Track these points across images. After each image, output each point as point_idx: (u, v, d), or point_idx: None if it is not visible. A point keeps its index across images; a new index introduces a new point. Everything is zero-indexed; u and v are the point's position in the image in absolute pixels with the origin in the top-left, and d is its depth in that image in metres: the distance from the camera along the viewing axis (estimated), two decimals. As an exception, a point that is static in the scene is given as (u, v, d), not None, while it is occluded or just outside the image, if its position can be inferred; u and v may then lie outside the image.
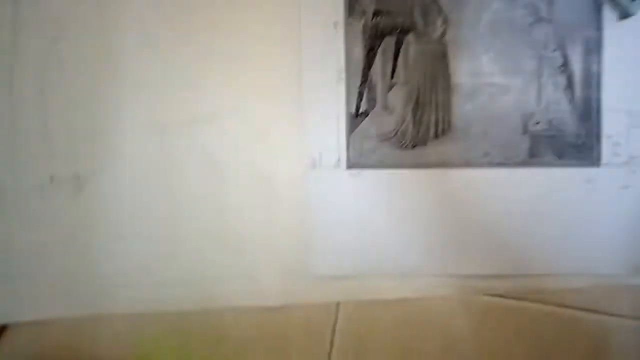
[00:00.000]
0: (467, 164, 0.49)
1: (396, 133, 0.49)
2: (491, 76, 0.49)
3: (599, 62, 0.48)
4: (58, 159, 0.50)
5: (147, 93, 0.50)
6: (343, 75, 0.49)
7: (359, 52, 0.49)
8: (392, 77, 0.49)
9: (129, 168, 0.50)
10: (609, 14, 0.48)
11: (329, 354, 0.51)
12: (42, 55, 0.50)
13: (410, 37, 0.49)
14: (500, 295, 0.51)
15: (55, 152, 0.50)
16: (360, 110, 0.49)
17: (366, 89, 0.49)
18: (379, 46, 0.49)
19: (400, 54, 0.49)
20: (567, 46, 0.48)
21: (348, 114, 0.49)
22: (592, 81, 0.48)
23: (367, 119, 0.49)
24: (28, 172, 0.50)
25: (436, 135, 0.49)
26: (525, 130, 0.49)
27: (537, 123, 0.49)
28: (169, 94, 0.50)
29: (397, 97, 0.49)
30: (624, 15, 0.47)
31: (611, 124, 0.48)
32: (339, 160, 0.50)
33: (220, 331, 0.51)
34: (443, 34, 0.48)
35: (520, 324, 0.51)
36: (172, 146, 0.50)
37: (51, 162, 0.50)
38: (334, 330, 0.51)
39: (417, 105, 0.49)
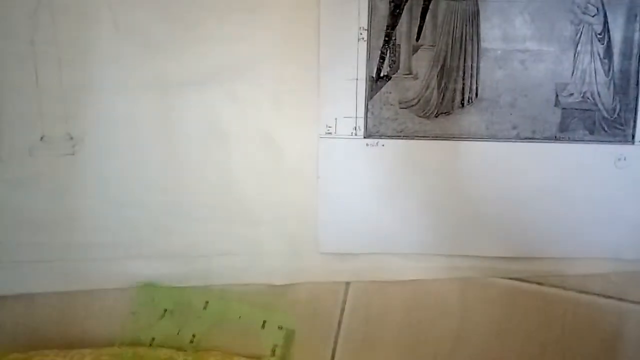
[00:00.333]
0: (493, 136, 0.46)
1: (419, 100, 0.45)
2: (524, 41, 0.45)
3: (642, 31, 0.45)
4: (49, 117, 0.45)
5: (148, 48, 0.44)
6: (364, 35, 0.44)
7: (384, 10, 0.44)
8: (417, 38, 0.45)
9: (127, 130, 0.45)
10: (658, -24, 0.44)
11: (336, 335, 0.48)
12: (33, 3, 0.44)
13: (440, -6, 0.44)
14: (518, 279, 0.48)
15: (46, 109, 0.45)
16: (382, 74, 0.45)
17: (389, 50, 0.45)
18: (405, 3, 0.44)
19: (428, 14, 0.44)
20: (609, 11, 0.44)
21: (368, 77, 0.45)
22: (633, 51, 0.45)
23: (388, 83, 0.45)
24: (16, 131, 0.45)
25: (462, 104, 0.45)
26: (556, 102, 0.45)
27: (570, 95, 0.45)
28: (173, 50, 0.45)
29: (422, 61, 0.45)
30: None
31: (649, 99, 0.45)
32: (355, 128, 0.45)
33: (223, 308, 0.47)
34: (476, -7, 0.44)
35: (537, 308, 0.48)
36: (175, 108, 0.45)
37: (41, 121, 0.45)
38: (342, 311, 0.48)
39: (443, 71, 0.45)
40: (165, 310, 0.47)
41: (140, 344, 0.46)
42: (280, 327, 0.47)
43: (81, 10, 0.44)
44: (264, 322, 0.47)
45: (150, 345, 0.46)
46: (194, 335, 0.47)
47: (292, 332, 0.47)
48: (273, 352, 0.46)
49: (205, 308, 0.47)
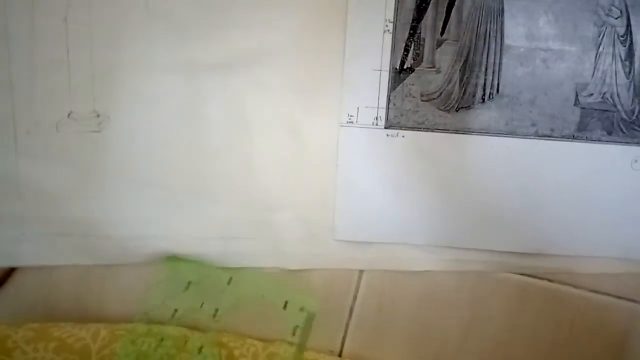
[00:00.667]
0: (512, 132, 0.46)
1: (440, 94, 0.46)
2: (546, 40, 0.45)
3: (664, 34, 0.45)
4: (77, 93, 0.46)
5: (176, 31, 0.45)
6: (390, 27, 0.45)
7: (410, 3, 0.45)
8: (442, 33, 0.45)
9: (152, 110, 0.46)
10: (684, -21, 0.45)
11: (347, 322, 0.49)
12: None
13: (466, -10, 0.45)
14: (530, 275, 0.49)
15: (74, 86, 0.45)
16: (405, 66, 0.46)
17: (413, 43, 0.45)
18: (432, -3, 0.45)
19: (454, 9, 0.45)
20: (632, 13, 0.45)
21: (392, 69, 0.46)
22: (654, 54, 0.45)
23: (411, 75, 0.46)
24: (44, 106, 0.46)
25: (482, 100, 0.46)
26: (576, 102, 0.46)
27: (590, 95, 0.46)
28: (201, 34, 0.45)
29: (445, 55, 0.46)
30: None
31: (668, 102, 0.46)
32: (377, 118, 0.46)
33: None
34: (502, -10, 0.45)
35: (548, 305, 0.49)
36: (200, 91, 0.46)
37: (70, 97, 0.46)
38: (354, 299, 0.49)
39: (466, 66, 0.46)
40: (190, 283, 0.47)
41: (161, 316, 0.47)
42: (302, 309, 0.47)
43: (115, -9, 0.45)
44: (286, 302, 0.47)
45: (173, 317, 0.47)
46: (216, 310, 0.47)
47: (313, 315, 0.47)
48: (293, 332, 0.47)
49: (229, 283, 0.48)
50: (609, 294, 0.48)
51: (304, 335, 0.47)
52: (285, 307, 0.47)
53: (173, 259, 0.47)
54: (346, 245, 0.48)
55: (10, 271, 0.48)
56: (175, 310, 0.47)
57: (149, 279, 0.48)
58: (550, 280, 0.49)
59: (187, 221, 0.47)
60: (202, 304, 0.47)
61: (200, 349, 0.45)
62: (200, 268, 0.48)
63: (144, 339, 0.45)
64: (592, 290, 0.49)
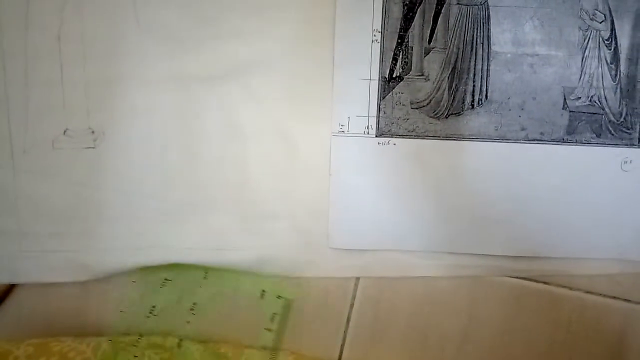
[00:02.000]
0: (502, 137, 0.47)
1: (430, 101, 0.47)
2: (533, 46, 0.46)
3: (648, 37, 0.46)
4: (72, 110, 0.46)
5: (168, 45, 0.46)
6: (378, 37, 0.46)
7: (397, 12, 0.46)
8: (429, 41, 0.46)
9: (146, 124, 0.47)
10: (665, -16, 0.45)
11: (345, 329, 0.49)
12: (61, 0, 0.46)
13: (452, -1, 0.46)
14: (525, 278, 0.49)
15: (69, 103, 0.46)
16: (394, 75, 0.46)
17: (401, 52, 0.46)
18: (418, 6, 0.46)
19: (441, 17, 0.46)
20: (616, 18, 0.46)
21: (381, 78, 0.46)
22: (639, 56, 0.46)
23: (400, 84, 0.46)
24: (41, 123, 0.47)
25: (472, 106, 0.47)
26: (564, 106, 0.47)
27: (578, 98, 0.47)
28: (192, 46, 0.46)
29: (434, 63, 0.46)
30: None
31: (655, 104, 0.46)
32: (367, 126, 0.47)
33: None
34: (487, -3, 0.46)
35: (545, 308, 0.49)
36: (193, 103, 0.47)
37: (65, 114, 0.46)
38: (351, 306, 0.49)
39: (454, 73, 0.46)
40: (166, 280, 0.48)
41: (139, 313, 0.47)
42: (279, 297, 0.48)
43: (106, 7, 0.46)
44: (263, 291, 0.48)
45: (151, 313, 0.47)
46: (194, 304, 0.48)
47: (290, 302, 0.48)
48: (272, 319, 0.47)
49: (205, 278, 0.48)
50: (604, 295, 0.49)
51: (282, 322, 0.48)
52: (262, 296, 0.48)
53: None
54: (341, 253, 0.48)
55: (10, 288, 0.49)
56: (153, 307, 0.48)
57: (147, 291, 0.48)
58: (546, 283, 0.49)
59: (183, 232, 0.48)
60: (179, 299, 0.48)
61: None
62: (175, 265, 0.48)
63: (144, 350, 0.46)
64: (587, 292, 0.49)
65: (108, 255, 0.48)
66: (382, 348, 0.49)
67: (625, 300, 0.49)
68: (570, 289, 0.49)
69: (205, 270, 0.48)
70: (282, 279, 0.49)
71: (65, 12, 0.46)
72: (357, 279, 0.49)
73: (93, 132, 0.47)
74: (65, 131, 0.47)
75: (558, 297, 0.49)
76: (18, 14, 0.45)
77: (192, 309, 0.48)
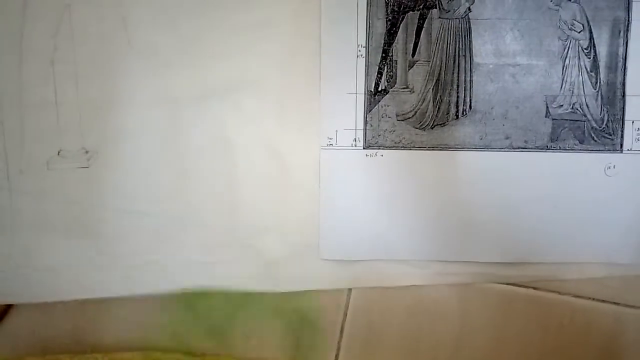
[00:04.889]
0: (487, 146, 0.48)
1: (415, 113, 0.48)
2: (514, 56, 0.47)
3: (626, 45, 0.47)
4: (66, 131, 0.48)
5: (159, 65, 0.47)
6: (363, 52, 0.47)
7: (381, 28, 0.47)
8: (413, 54, 0.47)
9: (138, 143, 0.48)
10: (639, -6, 0.47)
11: (339, 341, 0.50)
12: (53, 24, 0.47)
13: (433, 13, 0.47)
14: (515, 284, 0.50)
15: (63, 124, 0.47)
16: (380, 88, 0.47)
17: (386, 66, 0.47)
18: (401, 22, 0.47)
19: (423, 31, 0.47)
20: (594, 27, 0.47)
21: (367, 91, 0.47)
22: (618, 64, 0.47)
23: (386, 97, 0.48)
24: (36, 145, 0.48)
25: (456, 116, 0.48)
26: (547, 114, 0.48)
27: (560, 106, 0.48)
28: (182, 66, 0.47)
29: (418, 76, 0.48)
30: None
31: (635, 109, 0.47)
32: (355, 139, 0.48)
33: (228, 315, 0.49)
34: (467, 11, 0.47)
35: (535, 313, 0.50)
36: (184, 121, 0.48)
37: (59, 135, 0.48)
38: (344, 317, 0.50)
39: (438, 85, 0.48)
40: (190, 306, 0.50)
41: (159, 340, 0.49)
42: (300, 323, 0.49)
43: (98, 30, 0.47)
44: (286, 319, 0.49)
45: (171, 339, 0.48)
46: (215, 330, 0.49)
47: (313, 329, 0.50)
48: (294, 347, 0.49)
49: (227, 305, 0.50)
50: (593, 299, 0.49)
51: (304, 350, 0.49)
52: (284, 324, 0.49)
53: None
54: (333, 264, 0.49)
55: (8, 308, 0.49)
56: (174, 333, 0.49)
57: (144, 308, 0.49)
58: (535, 288, 0.50)
59: (177, 248, 0.49)
60: (200, 325, 0.49)
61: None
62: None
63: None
64: (576, 296, 0.49)
65: (104, 273, 0.49)
66: (376, 358, 0.50)
67: (615, 303, 0.49)
68: (560, 293, 0.49)
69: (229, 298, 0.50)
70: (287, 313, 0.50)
71: (58, 36, 0.47)
72: (350, 290, 0.50)
73: (87, 152, 0.48)
74: (59, 152, 0.48)
75: (548, 302, 0.49)
76: (12, 40, 0.47)
77: (212, 337, 0.49)
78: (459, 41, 0.47)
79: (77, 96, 0.47)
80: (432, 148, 0.48)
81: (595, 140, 0.48)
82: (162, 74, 0.48)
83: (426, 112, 0.48)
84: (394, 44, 0.47)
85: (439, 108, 0.48)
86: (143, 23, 0.47)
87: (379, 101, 0.48)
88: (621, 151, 0.48)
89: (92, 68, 0.47)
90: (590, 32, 0.47)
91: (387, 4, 0.47)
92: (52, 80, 0.47)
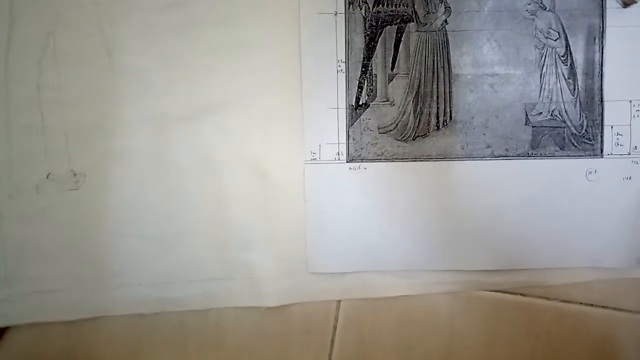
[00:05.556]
0: (469, 155, 0.48)
1: (397, 125, 0.48)
2: (492, 66, 0.48)
3: (602, 51, 0.48)
4: (55, 155, 0.48)
5: (144, 87, 0.48)
6: (343, 67, 0.48)
7: (360, 43, 0.48)
8: (392, 68, 0.48)
9: (125, 164, 0.49)
10: (612, 2, 0.47)
11: (330, 354, 0.50)
12: (38, 49, 0.48)
13: (411, 27, 0.48)
14: (504, 291, 0.50)
15: (51, 148, 0.48)
16: (360, 102, 0.48)
17: (366, 80, 0.48)
18: (379, 36, 0.48)
19: (401, 44, 0.48)
20: (570, 35, 0.48)
21: (348, 105, 0.48)
22: (595, 70, 0.48)
23: (367, 110, 0.48)
24: (24, 169, 0.48)
25: (437, 127, 0.48)
26: (527, 121, 0.48)
27: (539, 113, 0.48)
28: (167, 88, 0.48)
29: (398, 88, 0.48)
30: (628, 2, 0.46)
31: (613, 114, 0.48)
32: (338, 153, 0.48)
33: (220, 332, 0.50)
34: (444, 23, 0.48)
35: (524, 319, 0.50)
36: (170, 141, 0.49)
37: (47, 159, 0.48)
38: (334, 329, 0.50)
39: (418, 97, 0.48)
40: None
41: None
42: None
43: (81, 56, 0.48)
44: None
45: None
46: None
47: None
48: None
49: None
50: (581, 303, 0.50)
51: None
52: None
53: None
54: (321, 277, 0.50)
55: (3, 330, 0.50)
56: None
57: (136, 326, 0.50)
58: (523, 295, 0.50)
59: (167, 266, 0.49)
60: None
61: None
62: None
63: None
64: (564, 301, 0.50)
65: (95, 293, 0.49)
66: (368, 368, 0.50)
67: (603, 307, 0.50)
68: (548, 299, 0.50)
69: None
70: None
71: (43, 62, 0.48)
72: (339, 301, 0.50)
73: (75, 174, 0.49)
74: (48, 175, 0.49)
75: (536, 308, 0.50)
76: None
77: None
78: (437, 53, 0.48)
79: (64, 120, 0.48)
80: (415, 159, 0.49)
81: (576, 146, 0.48)
82: (146, 95, 0.48)
83: (407, 124, 0.48)
84: (373, 58, 0.48)
85: (419, 120, 0.48)
86: (125, 46, 0.48)
87: (361, 115, 0.48)
88: (602, 156, 0.48)
89: (77, 92, 0.48)
90: (566, 40, 0.48)
91: (365, 19, 0.48)
92: (38, 105, 0.48)
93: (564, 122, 0.48)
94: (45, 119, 0.48)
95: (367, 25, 0.48)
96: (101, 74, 0.48)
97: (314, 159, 0.48)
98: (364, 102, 0.48)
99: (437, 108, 0.48)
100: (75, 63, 0.48)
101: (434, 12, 0.48)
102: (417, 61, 0.48)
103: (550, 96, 0.48)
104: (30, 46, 0.48)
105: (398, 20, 0.48)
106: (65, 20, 0.48)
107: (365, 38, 0.48)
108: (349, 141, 0.48)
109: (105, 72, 0.48)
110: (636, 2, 0.46)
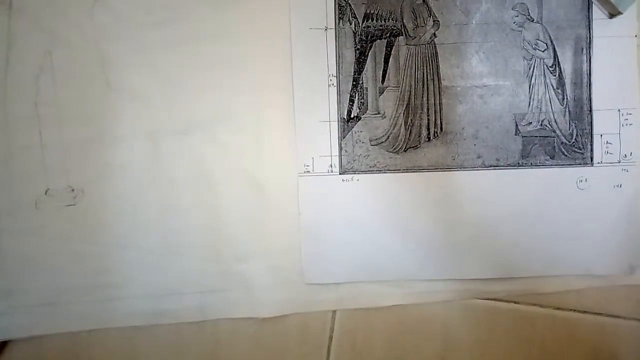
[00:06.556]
0: (460, 166, 0.49)
1: (388, 137, 0.49)
2: (481, 78, 0.49)
3: (589, 61, 0.48)
4: (52, 171, 0.49)
5: (139, 103, 0.49)
6: (334, 81, 0.49)
7: (350, 57, 0.49)
8: (383, 80, 0.49)
9: (122, 179, 0.50)
10: (598, 13, 0.48)
11: (326, 363, 0.51)
12: (35, 67, 0.49)
13: (400, 40, 0.49)
14: (497, 299, 0.51)
15: (49, 164, 0.49)
16: (352, 115, 0.49)
17: (357, 93, 0.49)
18: (369, 50, 0.49)
19: (391, 58, 0.49)
20: (558, 46, 0.48)
21: (340, 118, 0.49)
22: (583, 80, 0.48)
23: (358, 123, 0.49)
24: (23, 185, 0.49)
25: (428, 138, 0.49)
26: (517, 131, 0.49)
27: (529, 123, 0.49)
28: (162, 103, 0.49)
29: (389, 101, 0.49)
30: (614, 13, 0.47)
31: (602, 123, 0.49)
32: (331, 165, 0.49)
33: (216, 343, 0.50)
34: (433, 37, 0.48)
35: (518, 327, 0.50)
36: (164, 156, 0.50)
37: (45, 175, 0.49)
38: (330, 339, 0.51)
39: (409, 109, 0.49)
40: None
41: None
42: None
43: (77, 73, 0.49)
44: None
45: None
46: None
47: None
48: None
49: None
50: (574, 310, 0.50)
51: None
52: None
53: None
54: (316, 288, 0.50)
55: (4, 344, 0.51)
56: None
57: (135, 338, 0.50)
58: (516, 302, 0.50)
59: (164, 279, 0.50)
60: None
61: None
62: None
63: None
64: (557, 308, 0.50)
65: (94, 306, 0.50)
66: (364, 377, 0.51)
67: (596, 313, 0.50)
68: (541, 306, 0.50)
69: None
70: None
71: (40, 80, 0.49)
72: (334, 311, 0.51)
73: (73, 190, 0.50)
74: (46, 191, 0.49)
75: (529, 316, 0.50)
76: None
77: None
78: (426, 66, 0.49)
79: (62, 137, 0.49)
80: (407, 170, 0.49)
81: (566, 155, 0.49)
82: (141, 111, 0.49)
83: (398, 136, 0.49)
84: (363, 72, 0.49)
85: (410, 131, 0.49)
86: (120, 63, 0.49)
87: (352, 127, 0.49)
88: (592, 164, 0.49)
89: (74, 109, 0.49)
90: (554, 51, 0.48)
91: (355, 33, 0.48)
92: (36, 122, 0.49)
93: (554, 131, 0.49)
94: (44, 135, 0.49)
95: (357, 40, 0.49)
96: (98, 91, 0.49)
97: (307, 172, 0.49)
98: (356, 115, 0.49)
99: (428, 120, 0.49)
100: (72, 80, 0.49)
101: (422, 26, 0.48)
102: (407, 74, 0.49)
103: (539, 106, 0.49)
104: (28, 64, 0.49)
105: (387, 35, 0.49)
106: (62, 38, 0.49)
107: (355, 52, 0.49)
108: (342, 153, 0.49)
109: (101, 88, 0.49)
110: (622, 13, 0.47)
